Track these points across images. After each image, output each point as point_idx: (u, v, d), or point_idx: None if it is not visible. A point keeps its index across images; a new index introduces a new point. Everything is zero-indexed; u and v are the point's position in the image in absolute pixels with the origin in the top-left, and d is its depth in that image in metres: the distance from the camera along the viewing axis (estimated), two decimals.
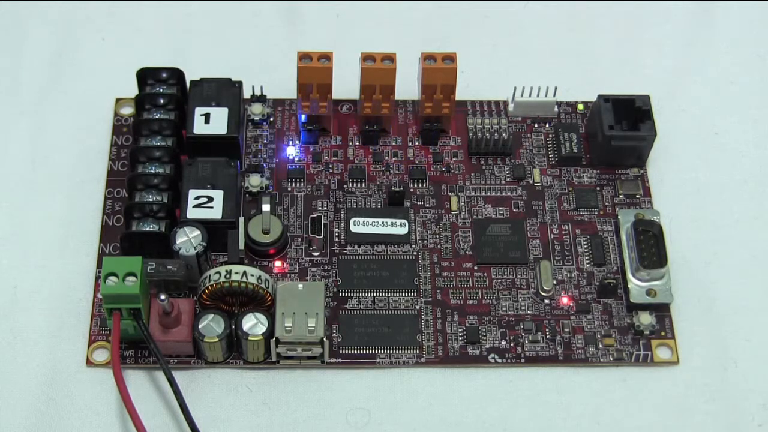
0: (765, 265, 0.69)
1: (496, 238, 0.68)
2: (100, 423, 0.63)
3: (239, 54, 0.76)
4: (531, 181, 0.71)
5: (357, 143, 0.72)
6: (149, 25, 0.77)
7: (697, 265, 0.68)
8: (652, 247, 0.66)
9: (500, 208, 0.69)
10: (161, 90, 0.69)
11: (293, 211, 0.69)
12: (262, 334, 0.62)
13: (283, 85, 0.72)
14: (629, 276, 0.66)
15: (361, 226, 0.68)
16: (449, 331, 0.65)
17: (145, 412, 0.60)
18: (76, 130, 0.72)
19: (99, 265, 0.66)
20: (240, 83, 0.70)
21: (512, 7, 0.79)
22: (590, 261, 0.68)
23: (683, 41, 0.78)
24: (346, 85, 0.71)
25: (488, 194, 0.70)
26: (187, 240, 0.64)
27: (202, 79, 0.69)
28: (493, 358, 0.65)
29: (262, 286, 0.63)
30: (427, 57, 0.68)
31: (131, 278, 0.60)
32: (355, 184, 0.70)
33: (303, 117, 0.70)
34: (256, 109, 0.72)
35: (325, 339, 0.62)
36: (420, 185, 0.70)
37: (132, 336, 0.63)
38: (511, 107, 0.73)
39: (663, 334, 0.66)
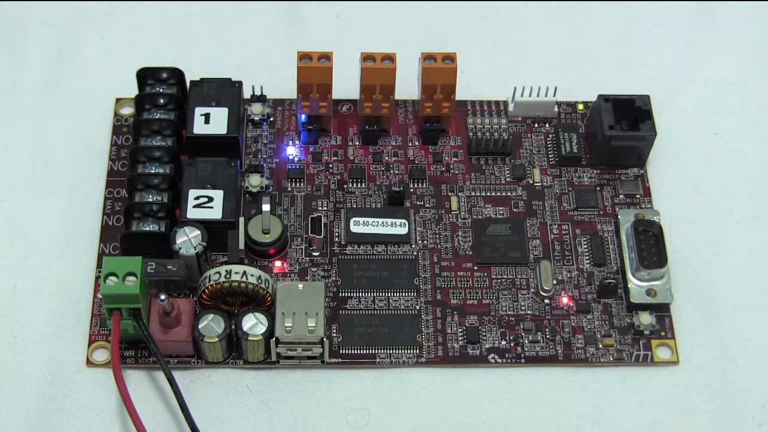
0: (765, 265, 0.69)
1: (496, 238, 0.68)
2: (100, 423, 0.63)
3: (239, 54, 0.76)
4: (531, 181, 0.70)
5: (357, 143, 0.72)
6: (149, 25, 0.77)
7: (697, 265, 0.68)
8: (652, 247, 0.66)
9: (500, 208, 0.69)
10: (161, 90, 0.69)
11: (293, 211, 0.69)
12: (262, 334, 0.62)
13: (283, 85, 0.72)
14: (629, 276, 0.66)
15: (361, 226, 0.68)
16: (449, 331, 0.65)
17: (145, 412, 0.60)
18: (76, 130, 0.72)
19: (99, 265, 0.66)
20: (240, 83, 0.69)
21: (512, 7, 0.79)
22: (590, 261, 0.68)
23: (683, 41, 0.78)
24: (346, 85, 0.71)
25: (488, 194, 0.70)
26: (187, 240, 0.64)
27: (202, 79, 0.69)
28: (493, 358, 0.65)
29: (262, 286, 0.63)
30: (427, 57, 0.68)
31: (131, 278, 0.60)
32: (355, 184, 0.70)
33: (303, 117, 0.70)
34: (256, 109, 0.71)
35: (325, 339, 0.62)
36: (420, 185, 0.70)
37: (132, 336, 0.63)
38: (511, 107, 0.73)
39: (663, 334, 0.66)
